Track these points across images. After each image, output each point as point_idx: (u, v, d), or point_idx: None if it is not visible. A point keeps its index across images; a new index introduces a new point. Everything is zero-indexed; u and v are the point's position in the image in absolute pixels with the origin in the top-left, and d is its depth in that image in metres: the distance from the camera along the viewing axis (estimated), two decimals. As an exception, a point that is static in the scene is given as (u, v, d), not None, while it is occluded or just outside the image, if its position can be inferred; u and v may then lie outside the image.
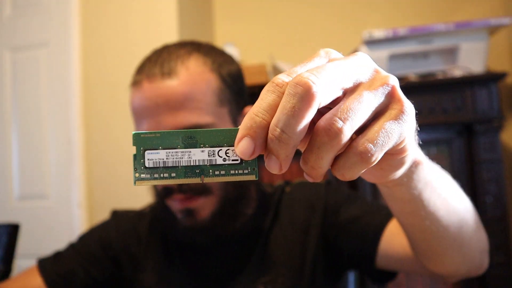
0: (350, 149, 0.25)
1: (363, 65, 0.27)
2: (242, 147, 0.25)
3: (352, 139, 0.26)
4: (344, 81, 0.25)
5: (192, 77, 0.59)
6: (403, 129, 0.26)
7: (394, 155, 0.28)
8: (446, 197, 0.42)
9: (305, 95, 0.23)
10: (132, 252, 0.69)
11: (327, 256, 0.65)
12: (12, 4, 1.69)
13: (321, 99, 0.24)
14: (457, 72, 1.19)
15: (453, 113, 1.17)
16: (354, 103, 0.25)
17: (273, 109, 0.25)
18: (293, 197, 0.69)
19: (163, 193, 0.62)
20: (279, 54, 1.49)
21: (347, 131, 0.24)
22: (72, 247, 0.70)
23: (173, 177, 0.26)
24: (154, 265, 0.67)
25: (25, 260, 1.62)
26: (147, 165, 0.26)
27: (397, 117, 0.26)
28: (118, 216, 0.74)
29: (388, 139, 0.26)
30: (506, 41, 1.43)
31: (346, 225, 0.63)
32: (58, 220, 1.53)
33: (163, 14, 1.39)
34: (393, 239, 0.58)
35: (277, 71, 1.36)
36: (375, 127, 0.26)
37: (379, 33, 1.17)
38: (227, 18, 1.68)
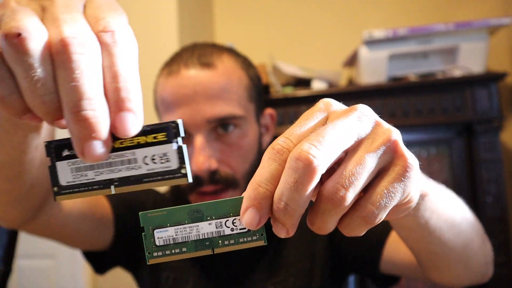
0: (354, 212, 0.26)
1: (363, 120, 0.26)
2: (248, 219, 0.25)
3: (357, 199, 0.26)
4: (345, 144, 0.25)
5: (228, 70, 0.62)
6: (407, 186, 0.26)
7: (398, 207, 0.28)
8: (452, 220, 0.42)
9: (307, 170, 0.23)
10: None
11: (333, 259, 0.66)
12: (12, 4, 1.69)
13: (323, 170, 0.24)
14: (457, 72, 1.19)
15: (453, 113, 1.17)
16: (356, 168, 0.25)
17: (275, 178, 0.25)
18: None
19: (192, 185, 0.61)
20: (279, 54, 1.49)
21: (350, 198, 0.25)
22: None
23: (184, 252, 0.26)
24: (165, 263, 0.68)
25: (25, 260, 1.62)
26: (157, 243, 0.26)
27: (401, 175, 0.26)
28: (147, 192, 0.74)
29: (391, 200, 0.26)
30: (506, 41, 1.43)
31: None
32: (58, 220, 1.53)
33: (163, 14, 1.39)
34: (398, 246, 0.58)
35: (277, 71, 1.36)
36: (378, 189, 0.26)
37: (379, 33, 1.17)
38: (227, 18, 1.68)
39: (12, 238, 0.79)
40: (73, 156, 0.24)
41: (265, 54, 1.44)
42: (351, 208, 0.26)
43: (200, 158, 0.59)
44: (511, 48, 1.43)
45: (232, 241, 0.27)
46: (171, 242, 0.26)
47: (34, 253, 1.66)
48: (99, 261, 0.68)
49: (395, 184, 0.26)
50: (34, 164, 0.42)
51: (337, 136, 0.25)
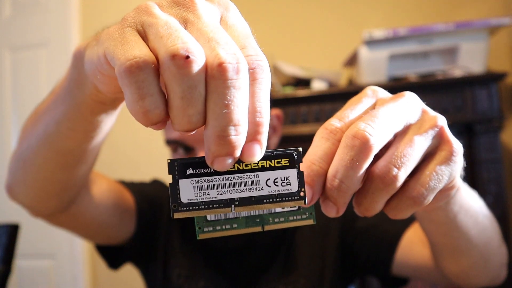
0: (403, 193, 0.26)
1: (411, 106, 0.27)
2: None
3: (404, 181, 0.26)
4: (396, 126, 0.26)
5: None
6: (453, 170, 0.27)
7: (444, 191, 0.29)
8: (477, 217, 0.43)
9: (363, 148, 0.24)
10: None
11: (344, 260, 0.66)
12: (12, 4, 1.69)
13: (377, 149, 0.25)
14: (457, 72, 1.19)
15: (453, 113, 1.17)
16: (407, 149, 0.25)
17: (329, 157, 0.25)
18: None
19: None
20: (279, 54, 1.49)
21: (402, 178, 0.25)
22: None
23: (235, 228, 0.26)
24: (177, 260, 0.68)
25: (25, 260, 1.62)
26: (208, 218, 0.26)
27: (447, 159, 0.27)
28: (163, 188, 0.75)
29: (439, 182, 0.26)
30: (506, 41, 1.43)
31: (363, 232, 0.64)
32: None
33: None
34: (412, 248, 0.58)
35: (277, 71, 1.36)
36: (427, 171, 0.26)
37: (379, 33, 1.17)
38: (227, 18, 1.68)
39: (12, 238, 0.79)
40: (196, 175, 0.25)
41: (265, 54, 1.44)
42: (400, 190, 0.26)
43: None
44: (511, 48, 1.43)
45: (282, 219, 0.27)
46: (223, 217, 0.26)
47: (34, 253, 1.66)
48: (114, 256, 0.68)
49: (442, 167, 0.26)
50: (94, 153, 0.45)
51: (389, 119, 0.26)
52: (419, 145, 0.26)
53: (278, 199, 0.25)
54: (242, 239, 0.66)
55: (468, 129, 1.19)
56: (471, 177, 1.18)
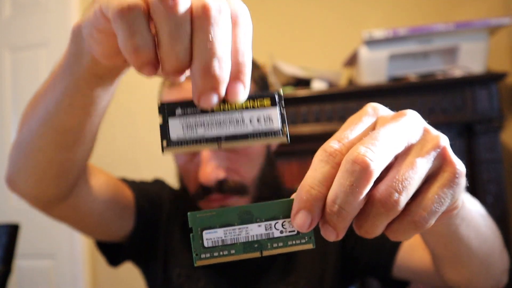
0: (405, 217, 0.26)
1: (413, 126, 0.27)
2: (300, 221, 0.25)
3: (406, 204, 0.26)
4: (397, 148, 0.26)
5: None
6: (455, 192, 0.26)
7: (446, 213, 0.28)
8: (479, 227, 0.43)
9: (363, 173, 0.23)
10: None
11: (344, 262, 0.66)
12: (12, 4, 1.69)
13: (378, 174, 0.24)
14: (457, 72, 1.19)
15: (453, 113, 1.17)
16: (408, 172, 0.25)
17: (328, 181, 0.25)
18: None
19: (200, 194, 0.62)
20: (279, 54, 1.49)
21: (403, 202, 0.25)
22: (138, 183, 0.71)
23: (233, 254, 0.26)
24: (177, 260, 0.68)
25: (25, 260, 1.62)
26: (205, 245, 0.26)
27: (450, 181, 0.26)
28: (164, 187, 0.75)
29: (442, 205, 0.26)
30: (506, 41, 1.43)
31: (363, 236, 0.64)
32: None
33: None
34: (412, 252, 0.58)
35: (277, 71, 1.36)
36: (429, 194, 0.26)
37: (379, 33, 1.17)
38: (227, 18, 1.68)
39: (12, 238, 0.79)
40: (185, 115, 0.27)
41: (265, 54, 1.44)
42: (401, 213, 0.26)
43: (207, 169, 0.59)
44: (511, 48, 1.43)
45: (280, 244, 0.26)
46: (220, 243, 0.26)
47: (34, 253, 1.66)
48: (114, 253, 0.68)
49: (445, 189, 0.26)
50: (92, 134, 0.47)
51: (390, 140, 0.25)
52: (421, 167, 0.25)
53: (261, 136, 0.27)
54: None
55: (468, 129, 1.19)
56: (471, 177, 1.18)
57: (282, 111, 0.27)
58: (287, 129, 0.27)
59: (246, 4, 0.33)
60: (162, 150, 0.26)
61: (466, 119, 1.17)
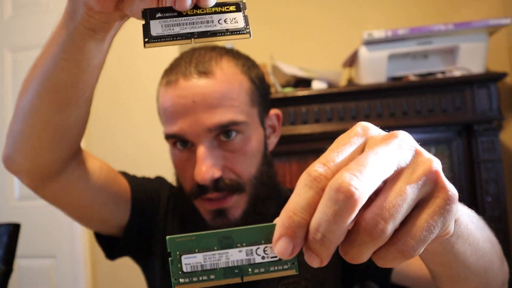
0: (392, 245, 0.25)
1: (404, 148, 0.26)
2: (281, 248, 0.24)
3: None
4: (385, 173, 0.24)
5: (227, 77, 0.61)
6: (446, 220, 0.25)
7: (436, 240, 0.27)
8: (476, 244, 0.41)
9: (347, 202, 0.22)
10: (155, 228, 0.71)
11: (344, 266, 0.66)
12: (12, 5, 1.69)
13: (363, 202, 0.23)
14: (456, 72, 1.19)
15: (452, 113, 1.18)
16: (397, 200, 0.24)
17: (311, 207, 0.24)
18: None
19: (196, 193, 0.62)
20: (279, 54, 1.49)
21: (390, 230, 0.24)
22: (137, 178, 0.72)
23: (212, 279, 0.26)
24: None
25: (25, 260, 1.62)
26: (184, 270, 0.25)
27: (441, 208, 0.25)
28: (164, 184, 0.75)
29: (431, 233, 0.25)
30: (506, 41, 1.43)
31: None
32: (58, 220, 1.53)
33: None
34: (411, 260, 0.58)
35: (277, 71, 1.36)
36: (418, 222, 0.25)
37: (379, 33, 1.17)
38: (227, 18, 1.68)
39: (13, 237, 0.79)
40: (164, 17, 0.32)
41: (265, 54, 1.45)
42: (389, 240, 0.25)
43: (202, 167, 0.59)
44: (511, 48, 1.44)
45: (262, 270, 0.26)
46: (199, 269, 0.25)
47: (34, 253, 1.66)
48: (112, 247, 0.69)
49: (435, 217, 0.25)
50: (85, 97, 0.49)
51: (378, 166, 0.24)
52: (411, 194, 0.24)
53: (228, 33, 0.32)
54: None
55: (468, 129, 1.19)
56: (471, 177, 1.19)
57: (245, 13, 0.33)
58: (250, 28, 0.32)
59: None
60: (144, 45, 0.31)
61: (465, 119, 1.17)
